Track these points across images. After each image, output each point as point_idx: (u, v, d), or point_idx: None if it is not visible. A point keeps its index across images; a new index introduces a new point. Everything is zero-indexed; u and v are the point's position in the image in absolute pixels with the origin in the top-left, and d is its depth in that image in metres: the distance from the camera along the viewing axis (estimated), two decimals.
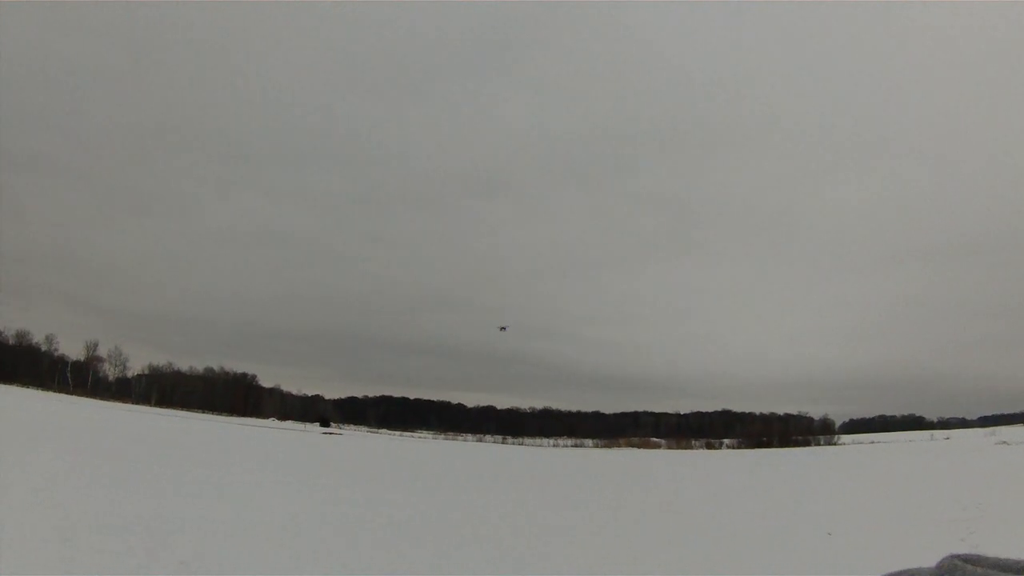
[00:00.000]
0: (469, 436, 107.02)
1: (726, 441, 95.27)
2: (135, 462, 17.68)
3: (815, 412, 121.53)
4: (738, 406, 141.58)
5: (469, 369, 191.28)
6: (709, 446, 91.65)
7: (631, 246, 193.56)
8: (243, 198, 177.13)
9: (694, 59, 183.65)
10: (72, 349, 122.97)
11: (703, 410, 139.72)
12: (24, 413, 30.58)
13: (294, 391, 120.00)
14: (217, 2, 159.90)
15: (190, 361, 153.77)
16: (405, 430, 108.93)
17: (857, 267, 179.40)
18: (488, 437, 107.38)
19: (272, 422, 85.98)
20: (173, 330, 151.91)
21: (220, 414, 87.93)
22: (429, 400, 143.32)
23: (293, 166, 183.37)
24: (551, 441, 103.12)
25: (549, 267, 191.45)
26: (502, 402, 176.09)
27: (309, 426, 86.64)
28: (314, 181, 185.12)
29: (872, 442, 73.80)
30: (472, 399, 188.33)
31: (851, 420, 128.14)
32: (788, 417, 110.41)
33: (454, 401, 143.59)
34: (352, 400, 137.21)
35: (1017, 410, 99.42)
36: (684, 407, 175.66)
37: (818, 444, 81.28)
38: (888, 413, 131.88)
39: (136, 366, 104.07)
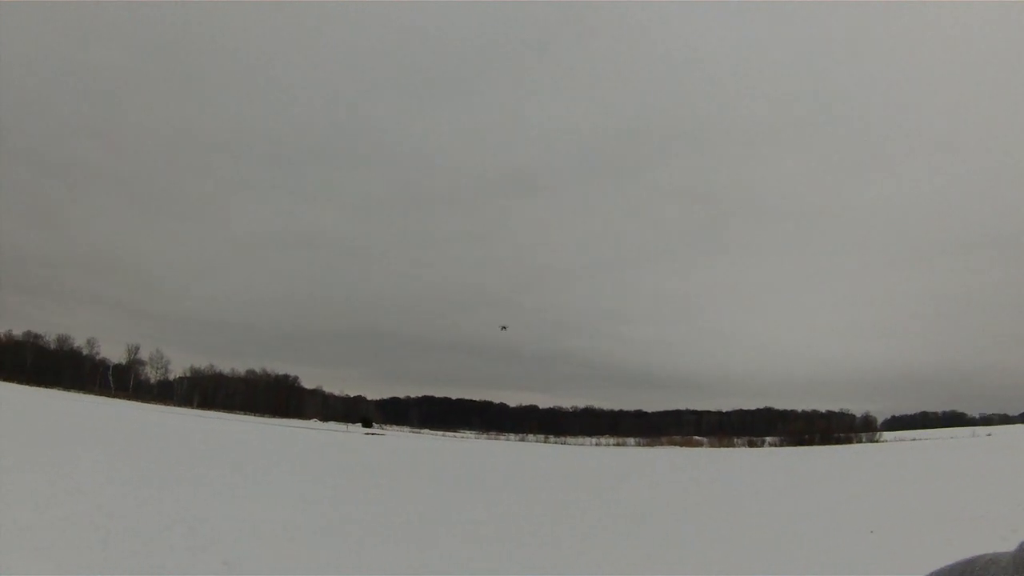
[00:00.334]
0: (511, 436, 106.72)
1: (768, 439, 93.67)
2: (177, 463, 17.77)
3: (857, 409, 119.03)
4: (780, 404, 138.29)
5: (511, 369, 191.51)
6: (751, 444, 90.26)
7: (666, 243, 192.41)
8: (282, 201, 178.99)
9: (728, 56, 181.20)
10: (113, 353, 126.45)
11: (745, 408, 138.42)
12: (66, 416, 30.68)
13: (336, 392, 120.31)
14: (248, 4, 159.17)
15: (231, 363, 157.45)
16: (447, 430, 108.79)
17: (896, 262, 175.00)
18: (530, 437, 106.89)
19: (314, 423, 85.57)
20: (214, 332, 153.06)
21: (262, 416, 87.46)
22: (471, 400, 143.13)
23: (330, 168, 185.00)
24: (593, 440, 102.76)
25: (585, 264, 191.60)
26: (544, 401, 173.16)
27: (351, 427, 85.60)
28: (351, 183, 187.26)
29: (914, 439, 73.70)
30: (514, 398, 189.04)
31: (893, 417, 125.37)
32: (830, 414, 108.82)
33: (496, 401, 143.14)
34: (394, 400, 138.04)
35: None
36: (726, 405, 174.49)
37: (860, 442, 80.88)
38: (930, 409, 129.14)
39: (177, 369, 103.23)
